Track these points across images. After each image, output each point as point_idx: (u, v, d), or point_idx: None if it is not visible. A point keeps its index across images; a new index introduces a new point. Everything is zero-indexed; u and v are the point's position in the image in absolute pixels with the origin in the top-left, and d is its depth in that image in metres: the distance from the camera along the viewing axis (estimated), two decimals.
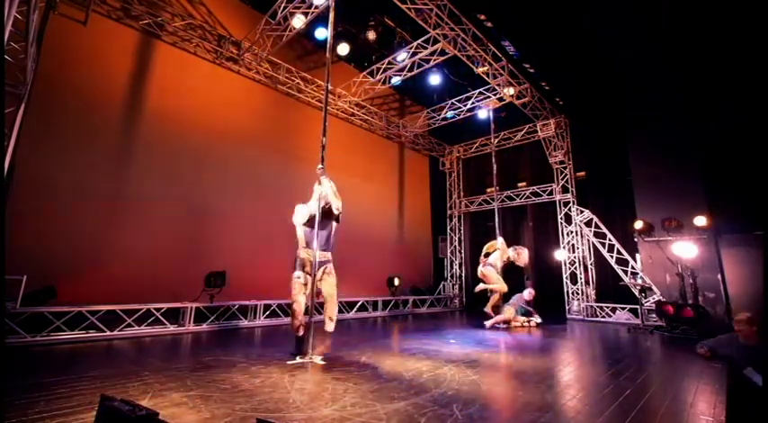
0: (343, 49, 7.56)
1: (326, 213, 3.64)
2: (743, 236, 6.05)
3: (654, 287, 6.62)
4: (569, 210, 8.38)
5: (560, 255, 8.32)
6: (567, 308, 8.00)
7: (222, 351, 3.94)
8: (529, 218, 9.89)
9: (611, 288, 7.74)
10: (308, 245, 3.66)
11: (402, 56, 7.25)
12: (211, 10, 6.26)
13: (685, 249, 6.27)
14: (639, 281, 6.77)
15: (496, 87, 7.54)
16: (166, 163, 5.63)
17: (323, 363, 3.32)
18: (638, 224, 6.91)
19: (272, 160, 6.92)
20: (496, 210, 7.50)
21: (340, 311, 7.06)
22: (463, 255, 10.41)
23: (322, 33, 7.24)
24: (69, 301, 4.30)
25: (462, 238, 10.57)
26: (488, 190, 10.31)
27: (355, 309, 7.31)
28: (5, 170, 3.39)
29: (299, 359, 3.36)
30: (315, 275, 3.56)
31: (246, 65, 6.62)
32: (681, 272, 6.32)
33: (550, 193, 8.83)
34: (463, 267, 10.33)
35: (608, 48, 7.43)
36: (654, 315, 6.41)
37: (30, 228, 4.27)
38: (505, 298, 6.77)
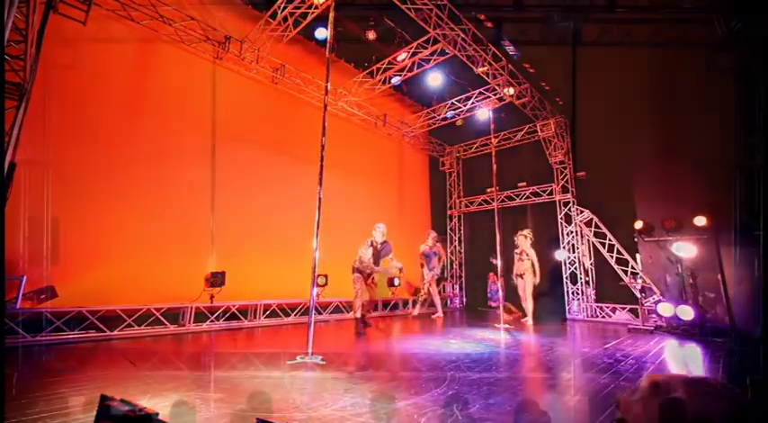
0: (343, 48, 7.54)
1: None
2: (743, 236, 6.03)
3: (654, 287, 6.62)
4: (569, 210, 8.37)
5: (560, 255, 8.31)
6: (567, 308, 8.00)
7: (222, 351, 3.95)
8: (528, 218, 9.87)
9: (611, 288, 7.72)
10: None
11: (402, 56, 7.25)
12: (212, 10, 6.26)
13: (685, 249, 6.27)
14: (639, 281, 6.76)
15: (496, 87, 7.54)
16: (166, 162, 5.62)
17: (323, 363, 3.32)
18: (638, 224, 6.89)
19: (271, 160, 6.91)
20: (496, 210, 7.49)
21: (340, 311, 7.09)
22: (463, 255, 10.39)
23: (322, 33, 7.23)
24: (69, 301, 4.30)
25: (462, 238, 10.56)
26: (488, 190, 10.28)
27: None
28: (5, 170, 3.39)
29: (299, 359, 3.37)
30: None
31: (247, 65, 6.61)
32: (681, 272, 6.31)
33: (550, 193, 8.82)
34: (463, 267, 10.32)
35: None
36: (654, 315, 6.40)
37: (30, 227, 4.27)
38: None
